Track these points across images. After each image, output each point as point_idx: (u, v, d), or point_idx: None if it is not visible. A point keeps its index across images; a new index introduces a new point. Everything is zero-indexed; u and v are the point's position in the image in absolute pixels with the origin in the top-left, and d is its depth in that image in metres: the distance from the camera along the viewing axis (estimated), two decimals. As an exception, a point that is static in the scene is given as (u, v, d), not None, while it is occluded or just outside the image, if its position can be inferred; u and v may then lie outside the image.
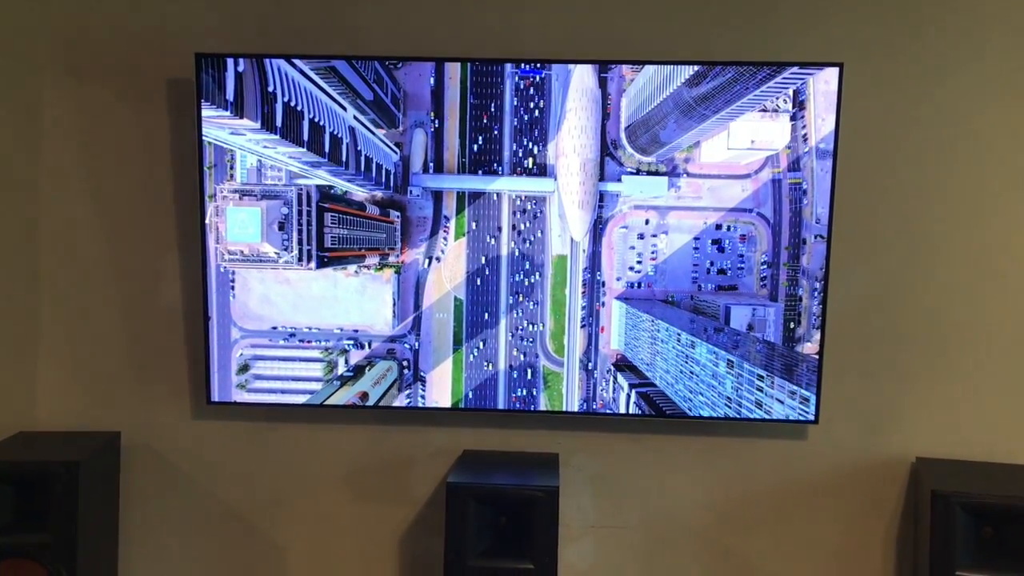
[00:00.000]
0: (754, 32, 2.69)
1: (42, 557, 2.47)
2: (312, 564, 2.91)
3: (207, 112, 2.61)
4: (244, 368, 2.74)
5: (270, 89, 2.59)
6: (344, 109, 2.63)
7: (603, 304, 2.68)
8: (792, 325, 2.63)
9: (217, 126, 2.62)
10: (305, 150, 2.62)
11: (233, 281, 2.70)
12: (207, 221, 2.67)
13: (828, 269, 2.61)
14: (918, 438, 2.76)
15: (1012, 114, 2.67)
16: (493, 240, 2.67)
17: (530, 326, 2.70)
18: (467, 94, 2.62)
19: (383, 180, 2.66)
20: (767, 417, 2.65)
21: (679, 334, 2.66)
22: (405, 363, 2.73)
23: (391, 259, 2.69)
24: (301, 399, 2.76)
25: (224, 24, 2.77)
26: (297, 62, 2.59)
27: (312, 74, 2.60)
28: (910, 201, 2.71)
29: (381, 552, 2.90)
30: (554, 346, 2.71)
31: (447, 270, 2.69)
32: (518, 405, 2.73)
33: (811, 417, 2.65)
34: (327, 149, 2.63)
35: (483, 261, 2.68)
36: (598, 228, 2.66)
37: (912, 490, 2.76)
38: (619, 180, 2.63)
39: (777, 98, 2.56)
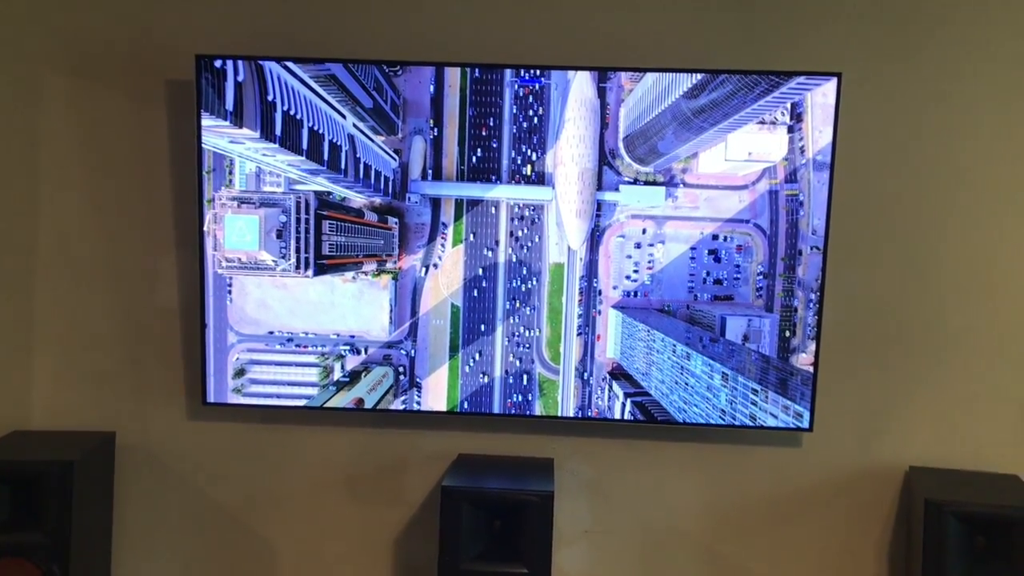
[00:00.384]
0: (753, 43, 2.70)
1: (36, 556, 2.47)
2: (306, 566, 2.92)
3: (207, 121, 2.61)
4: (240, 372, 2.74)
5: (270, 98, 2.58)
6: (343, 117, 2.63)
7: (599, 312, 2.69)
8: (787, 335, 2.64)
9: (216, 134, 2.62)
10: (304, 158, 2.62)
11: (230, 285, 2.70)
12: (205, 228, 2.67)
13: (824, 280, 2.62)
14: (911, 447, 2.77)
15: (1009, 127, 2.68)
16: (490, 253, 2.67)
17: (526, 332, 2.71)
18: (466, 102, 2.62)
19: (382, 187, 2.66)
20: (762, 424, 2.67)
21: (674, 345, 2.67)
22: (401, 369, 2.74)
23: (389, 265, 2.69)
24: (297, 404, 2.76)
25: (224, 28, 2.76)
26: (297, 71, 2.59)
27: (312, 82, 2.60)
28: (905, 213, 2.72)
29: (375, 555, 2.90)
30: (550, 354, 2.71)
31: (444, 276, 2.70)
32: (513, 411, 2.74)
33: (805, 425, 2.66)
34: (326, 157, 2.63)
35: (480, 269, 2.68)
36: (595, 237, 2.66)
37: (905, 499, 2.77)
38: (617, 190, 2.64)
39: (775, 111, 2.57)
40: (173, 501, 2.90)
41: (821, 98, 2.55)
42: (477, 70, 2.62)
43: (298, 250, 2.66)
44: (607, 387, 2.71)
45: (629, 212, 2.64)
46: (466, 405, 2.75)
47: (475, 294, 2.70)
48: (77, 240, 2.83)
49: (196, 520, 2.91)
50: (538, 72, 2.61)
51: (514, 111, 2.62)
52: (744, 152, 2.59)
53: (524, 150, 2.64)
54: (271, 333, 2.72)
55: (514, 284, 2.68)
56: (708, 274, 2.65)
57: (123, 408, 2.87)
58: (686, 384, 2.68)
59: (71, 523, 2.50)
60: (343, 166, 2.64)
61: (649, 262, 2.66)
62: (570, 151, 2.62)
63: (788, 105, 2.56)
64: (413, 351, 2.73)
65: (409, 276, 2.70)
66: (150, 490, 2.89)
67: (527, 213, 2.66)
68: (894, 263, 2.74)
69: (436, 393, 2.74)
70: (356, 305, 2.71)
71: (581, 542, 2.87)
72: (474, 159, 2.65)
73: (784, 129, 2.58)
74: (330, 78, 2.61)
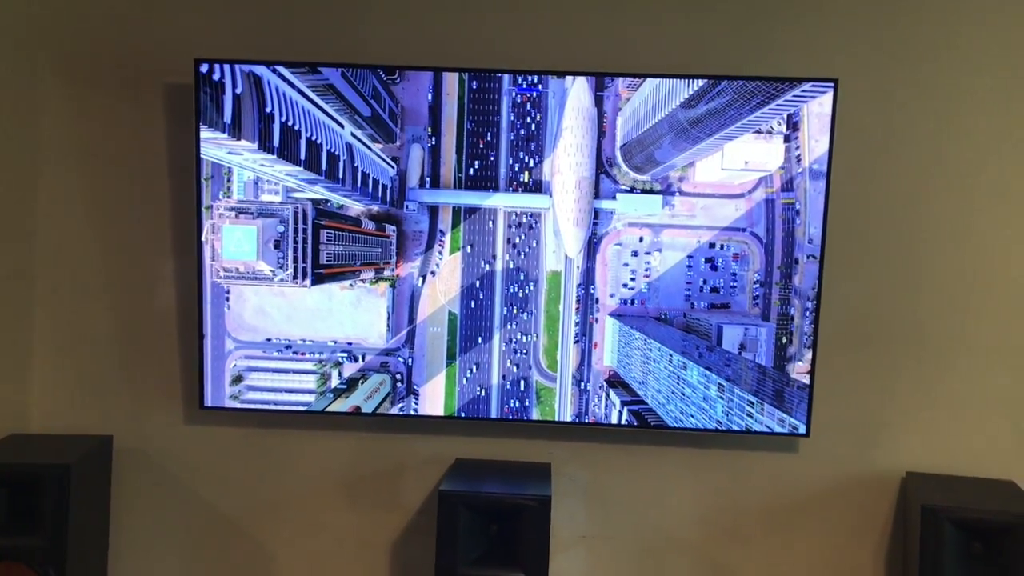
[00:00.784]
0: (750, 50, 2.70)
1: (33, 560, 2.47)
2: (303, 570, 2.92)
3: (205, 133, 2.61)
4: (238, 379, 2.75)
5: (268, 110, 2.58)
6: (341, 126, 2.63)
7: (596, 320, 2.69)
8: (784, 342, 2.64)
9: (215, 145, 2.62)
10: (302, 168, 2.62)
11: (228, 292, 2.70)
12: (203, 238, 2.67)
13: (820, 288, 2.62)
14: (908, 453, 2.78)
15: (1004, 135, 2.68)
16: (487, 265, 2.67)
17: (524, 337, 2.71)
18: (464, 110, 2.62)
19: (379, 195, 2.67)
20: (759, 430, 2.67)
21: (671, 355, 2.67)
22: (398, 376, 2.74)
23: (386, 273, 2.70)
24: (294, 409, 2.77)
25: (222, 34, 2.76)
26: (295, 81, 2.58)
27: (310, 92, 2.60)
28: (901, 222, 2.73)
29: (372, 559, 2.91)
30: (547, 361, 2.72)
31: (442, 284, 2.70)
32: (511, 417, 2.75)
33: (802, 431, 2.66)
34: (324, 167, 2.63)
35: (478, 276, 2.69)
36: (592, 245, 2.66)
37: (902, 505, 2.78)
38: (614, 198, 2.64)
39: (771, 121, 2.57)
40: (170, 505, 2.91)
41: (817, 107, 2.56)
42: (475, 81, 2.61)
43: (296, 260, 2.67)
44: (604, 395, 2.72)
45: (626, 220, 2.65)
46: (463, 414, 2.76)
47: (472, 305, 2.70)
48: (74, 244, 2.83)
49: (193, 524, 2.92)
50: (535, 80, 2.60)
51: (511, 119, 2.62)
52: (741, 161, 2.59)
53: (522, 158, 2.64)
54: (269, 340, 2.73)
55: (511, 290, 2.69)
56: (705, 282, 2.65)
57: (120, 412, 2.88)
58: (682, 394, 2.69)
59: (68, 527, 2.50)
60: (341, 175, 2.64)
61: (646, 270, 2.66)
62: (567, 159, 2.63)
63: (784, 115, 2.56)
64: (410, 358, 2.73)
65: (407, 283, 2.70)
66: (147, 494, 2.90)
67: (524, 219, 2.66)
68: (890, 271, 2.74)
69: (433, 400, 2.74)
70: (354, 312, 2.71)
71: (578, 547, 2.88)
72: (472, 167, 2.65)
73: (780, 138, 2.58)
74: (328, 87, 2.60)
